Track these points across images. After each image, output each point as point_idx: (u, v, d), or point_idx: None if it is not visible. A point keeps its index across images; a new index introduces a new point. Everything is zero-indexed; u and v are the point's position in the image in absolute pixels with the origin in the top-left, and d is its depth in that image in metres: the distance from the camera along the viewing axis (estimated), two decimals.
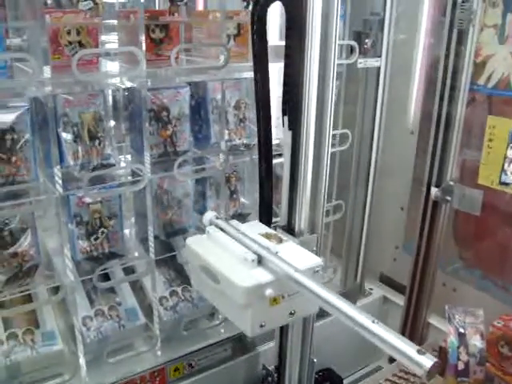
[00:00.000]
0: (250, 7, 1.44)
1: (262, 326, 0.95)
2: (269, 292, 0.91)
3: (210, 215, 1.10)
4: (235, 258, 0.97)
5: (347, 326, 2.00)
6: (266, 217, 1.15)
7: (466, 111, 1.59)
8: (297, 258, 0.96)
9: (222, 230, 1.06)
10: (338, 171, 1.77)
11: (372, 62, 1.55)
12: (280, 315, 0.98)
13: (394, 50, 1.63)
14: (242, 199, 1.63)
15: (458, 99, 1.57)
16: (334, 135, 1.51)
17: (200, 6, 1.96)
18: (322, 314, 1.75)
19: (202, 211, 1.61)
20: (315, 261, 0.99)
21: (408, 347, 0.67)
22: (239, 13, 1.44)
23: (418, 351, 0.66)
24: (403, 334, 1.87)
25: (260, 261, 0.94)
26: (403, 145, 1.84)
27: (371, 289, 1.98)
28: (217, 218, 1.10)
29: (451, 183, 1.64)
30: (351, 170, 1.75)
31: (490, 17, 1.49)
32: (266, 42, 1.03)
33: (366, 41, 1.53)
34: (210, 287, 1.01)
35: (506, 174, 1.51)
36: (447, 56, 1.56)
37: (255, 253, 0.95)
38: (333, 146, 1.47)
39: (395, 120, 1.79)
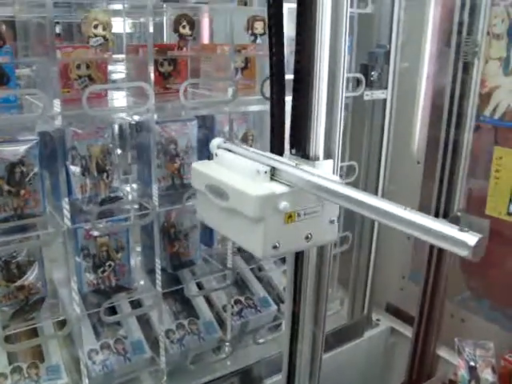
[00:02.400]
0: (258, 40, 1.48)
1: (275, 246, 0.86)
2: (283, 205, 0.83)
3: (217, 140, 1.01)
4: (246, 173, 0.90)
5: (356, 357, 1.97)
6: (278, 147, 1.05)
7: (472, 141, 1.60)
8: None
9: (231, 151, 0.98)
10: None
11: (378, 94, 1.56)
12: (295, 236, 0.89)
13: (398, 79, 1.65)
14: None
15: (464, 130, 1.58)
16: (341, 167, 1.51)
17: (205, 39, 1.99)
18: (330, 346, 1.75)
19: (208, 243, 1.61)
20: (333, 178, 0.90)
21: (447, 227, 0.62)
22: (247, 46, 1.46)
23: (460, 229, 0.60)
24: (412, 366, 1.85)
25: (273, 174, 0.87)
26: (410, 175, 1.85)
27: (378, 320, 1.96)
28: (225, 142, 1.01)
29: (459, 214, 1.63)
30: None
31: (495, 49, 1.50)
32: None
33: (373, 73, 1.55)
34: (216, 210, 0.93)
35: None
36: (453, 87, 1.57)
37: (268, 165, 0.87)
38: (340, 177, 1.47)
39: (401, 150, 1.80)
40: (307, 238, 0.90)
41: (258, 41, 1.46)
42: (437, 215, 1.66)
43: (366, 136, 1.68)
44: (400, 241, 1.95)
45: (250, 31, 1.46)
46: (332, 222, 0.94)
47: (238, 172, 0.92)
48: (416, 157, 1.83)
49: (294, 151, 1.05)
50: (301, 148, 1.00)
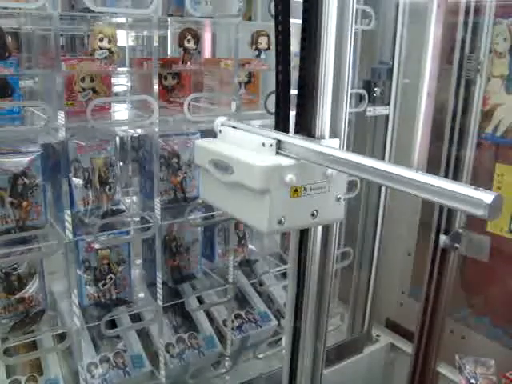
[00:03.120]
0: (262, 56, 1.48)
1: (280, 221, 0.84)
2: (289, 177, 0.82)
3: (221, 118, 1.00)
4: (251, 146, 0.88)
5: (356, 373, 1.95)
6: (282, 124, 1.02)
7: (474, 158, 1.60)
8: None
9: (235, 128, 0.97)
10: (347, 218, 1.77)
11: (381, 110, 1.57)
12: (301, 212, 0.87)
13: (400, 95, 1.65)
14: (250, 246, 1.62)
15: (465, 147, 1.58)
16: None
17: (207, 53, 1.99)
18: (330, 361, 1.74)
19: (210, 257, 1.61)
20: None
21: (461, 187, 0.60)
22: (251, 61, 1.47)
23: (475, 188, 0.58)
24: (412, 382, 1.84)
25: (279, 148, 0.85)
26: None
27: (378, 335, 1.95)
28: (228, 119, 1.01)
29: (460, 231, 1.63)
30: (359, 217, 1.75)
31: (497, 67, 1.51)
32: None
33: (375, 89, 1.55)
34: (220, 187, 0.92)
35: None
36: (455, 104, 1.58)
37: (273, 138, 0.86)
38: None
39: (402, 165, 1.79)
40: (313, 214, 0.89)
41: (262, 56, 1.47)
42: (438, 232, 1.66)
43: (368, 151, 1.68)
44: (401, 256, 1.95)
45: (254, 46, 1.47)
46: (338, 199, 0.92)
47: (243, 146, 0.90)
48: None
49: (298, 131, 1.04)
50: (306, 128, 0.98)
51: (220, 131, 0.99)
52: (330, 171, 0.88)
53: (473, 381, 1.54)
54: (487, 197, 0.57)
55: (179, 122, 1.36)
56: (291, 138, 0.86)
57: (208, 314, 1.63)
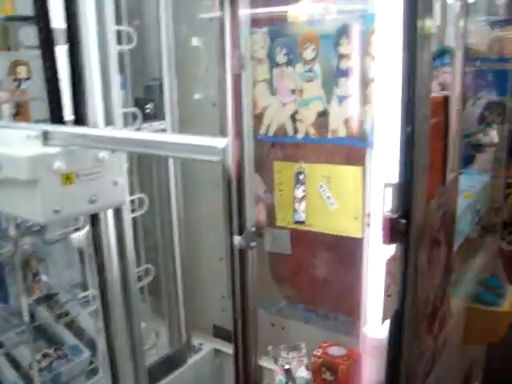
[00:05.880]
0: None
1: (56, 211, 0.84)
2: (57, 165, 0.82)
3: None
4: (16, 142, 0.86)
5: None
6: (57, 113, 1.02)
7: (261, 159, 1.69)
8: None
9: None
10: (144, 236, 1.78)
11: (157, 126, 1.59)
12: (77, 199, 0.88)
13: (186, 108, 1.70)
14: (47, 280, 1.56)
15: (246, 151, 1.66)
16: (131, 201, 1.51)
17: None
18: (154, 378, 1.71)
19: (3, 299, 1.53)
20: None
21: (198, 138, 0.65)
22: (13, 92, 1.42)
23: (210, 138, 0.66)
24: (237, 382, 1.89)
25: (47, 138, 0.85)
26: (211, 197, 1.90)
27: (201, 344, 1.98)
28: None
29: (252, 229, 1.71)
30: (157, 233, 1.75)
31: (259, 72, 1.62)
32: None
33: (147, 106, 1.58)
34: None
35: (298, 213, 1.62)
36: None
37: (38, 130, 0.85)
38: (133, 211, 1.47)
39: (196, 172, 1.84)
40: (92, 200, 0.90)
41: (23, 86, 1.43)
42: (231, 233, 1.72)
43: (154, 167, 1.70)
44: (214, 262, 1.99)
45: (13, 76, 1.42)
46: (115, 183, 0.95)
47: (9, 143, 0.88)
48: (215, 179, 1.88)
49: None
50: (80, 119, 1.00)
51: None
52: (101, 155, 0.90)
53: (287, 366, 1.63)
54: (220, 142, 0.66)
55: None
56: (56, 127, 0.88)
57: (12, 361, 1.54)
